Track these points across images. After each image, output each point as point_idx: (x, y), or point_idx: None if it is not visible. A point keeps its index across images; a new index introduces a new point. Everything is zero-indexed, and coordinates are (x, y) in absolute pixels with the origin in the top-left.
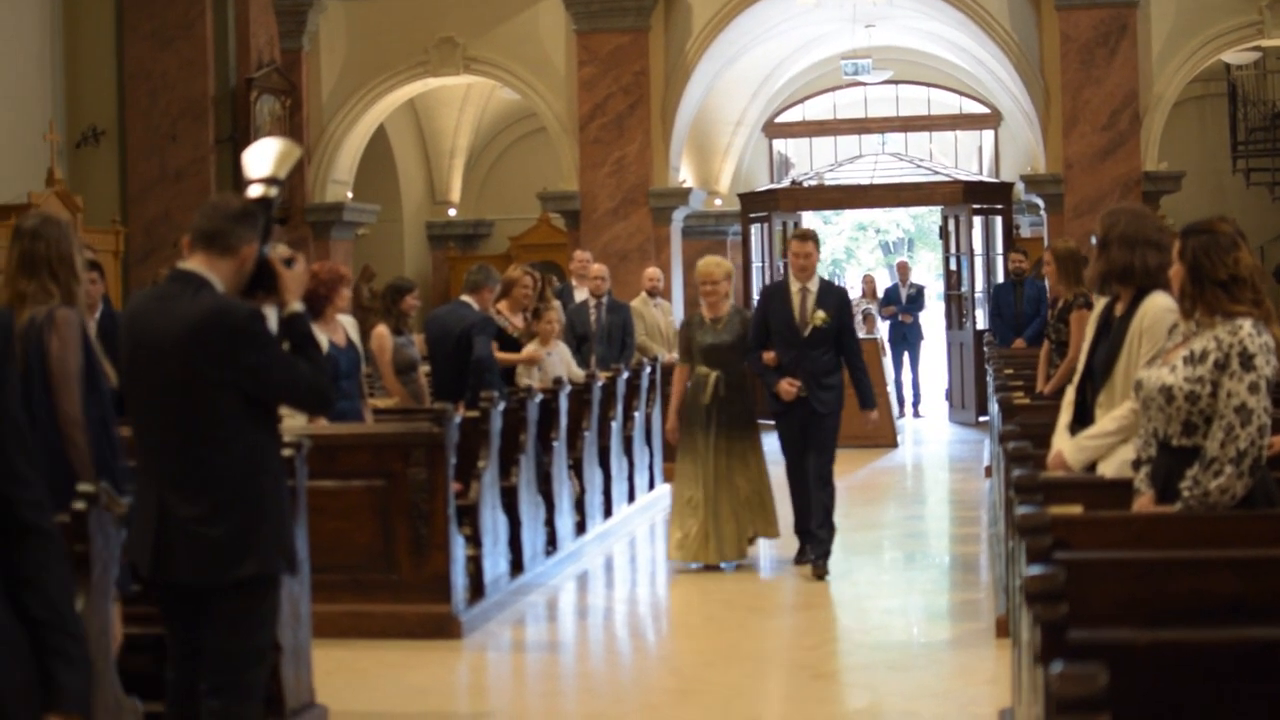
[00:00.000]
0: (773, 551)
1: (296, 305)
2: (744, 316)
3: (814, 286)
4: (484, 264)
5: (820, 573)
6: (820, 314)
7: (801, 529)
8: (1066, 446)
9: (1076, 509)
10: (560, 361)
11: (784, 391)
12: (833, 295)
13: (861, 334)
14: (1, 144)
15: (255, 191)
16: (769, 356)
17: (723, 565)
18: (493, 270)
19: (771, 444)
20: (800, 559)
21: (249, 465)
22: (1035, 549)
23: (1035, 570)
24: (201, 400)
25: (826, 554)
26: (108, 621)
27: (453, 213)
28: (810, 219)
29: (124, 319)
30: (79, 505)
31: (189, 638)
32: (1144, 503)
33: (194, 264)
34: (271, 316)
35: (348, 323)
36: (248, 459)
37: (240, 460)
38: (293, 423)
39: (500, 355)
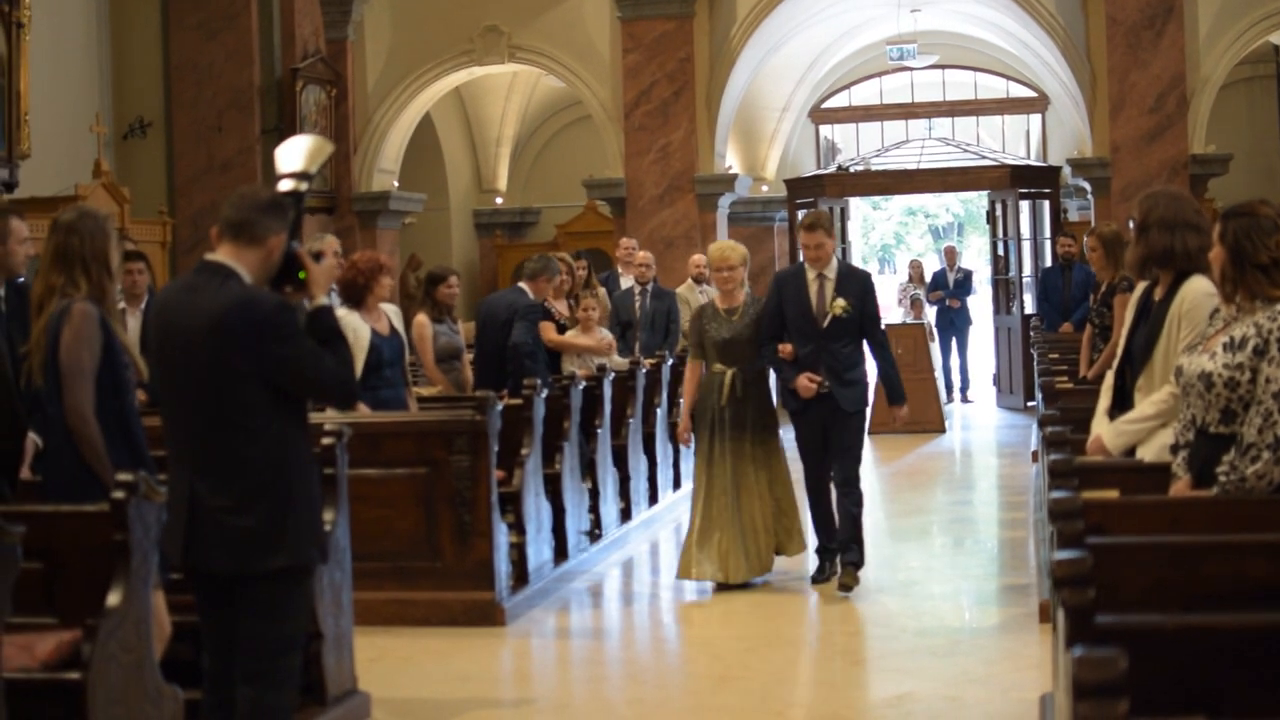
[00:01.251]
0: (797, 565)
1: (323, 299)
2: (759, 304)
3: (832, 273)
4: (545, 254)
5: (848, 583)
6: (840, 302)
7: (822, 546)
8: (1105, 431)
9: (1113, 493)
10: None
11: (803, 388)
12: (854, 281)
13: (909, 319)
14: (49, 136)
15: (285, 186)
16: (785, 349)
17: (743, 584)
18: (553, 261)
19: (792, 447)
20: (819, 577)
21: (278, 456)
22: (1067, 534)
23: (1064, 555)
24: (229, 391)
25: (856, 564)
26: (148, 609)
27: (499, 201)
28: (858, 204)
29: (153, 310)
30: (118, 494)
31: (223, 626)
32: (1181, 487)
33: (221, 255)
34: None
35: (391, 311)
36: (277, 449)
37: (269, 451)
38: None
39: (559, 339)
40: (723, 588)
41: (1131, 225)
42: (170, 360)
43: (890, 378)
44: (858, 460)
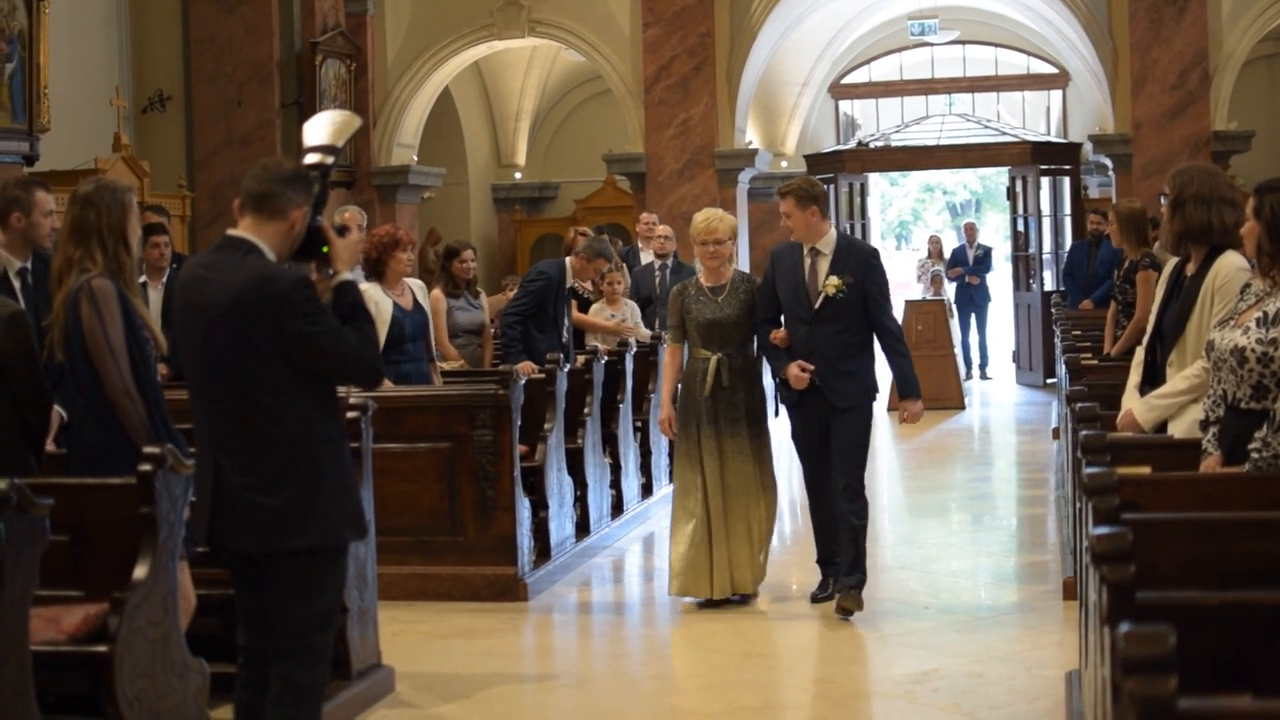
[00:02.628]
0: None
1: (347, 274)
2: (753, 284)
3: (828, 247)
4: (601, 237)
5: (848, 607)
6: (834, 280)
7: (823, 557)
8: (1136, 406)
9: (1145, 469)
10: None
11: (793, 377)
12: (854, 257)
13: (929, 295)
14: (69, 110)
15: (311, 159)
16: (778, 335)
17: (731, 599)
18: (606, 247)
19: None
20: (820, 594)
21: (304, 434)
22: (1103, 510)
23: (1103, 531)
24: (252, 368)
25: (858, 586)
26: (174, 583)
27: (518, 176)
28: (877, 180)
29: (176, 286)
30: (145, 467)
31: (257, 604)
32: (1211, 464)
33: (243, 229)
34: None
35: (415, 286)
36: (302, 428)
37: (295, 429)
38: None
39: (581, 317)
40: (721, 603)
41: (1163, 201)
42: (193, 338)
43: (900, 367)
44: (859, 464)
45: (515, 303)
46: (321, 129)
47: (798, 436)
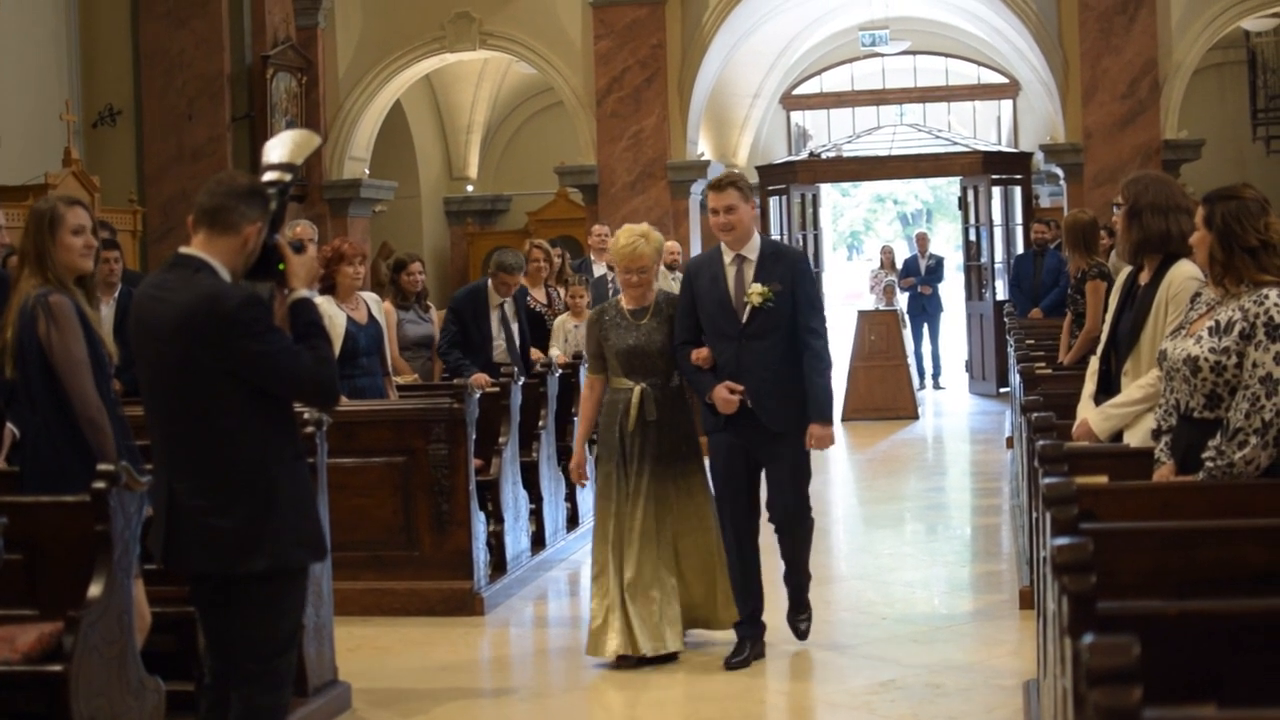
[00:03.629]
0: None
1: (303, 291)
2: (673, 302)
3: (753, 252)
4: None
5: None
6: (758, 288)
7: (747, 615)
8: (1092, 416)
9: (1102, 479)
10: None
11: (720, 400)
12: (782, 263)
13: (882, 306)
14: (19, 124)
15: (270, 176)
16: (700, 354)
17: (656, 654)
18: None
19: None
20: (736, 659)
21: (259, 455)
22: (1061, 520)
23: (1063, 541)
24: (202, 389)
25: (804, 632)
26: (129, 601)
27: (470, 188)
28: (828, 191)
29: (131, 307)
30: (99, 484)
31: (218, 625)
32: (1165, 473)
33: (195, 245)
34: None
35: (370, 299)
36: (257, 449)
37: (249, 450)
38: None
39: None
40: (644, 661)
41: (1117, 210)
42: (146, 359)
43: (815, 386)
44: (802, 497)
45: (442, 335)
46: (281, 147)
47: (720, 468)
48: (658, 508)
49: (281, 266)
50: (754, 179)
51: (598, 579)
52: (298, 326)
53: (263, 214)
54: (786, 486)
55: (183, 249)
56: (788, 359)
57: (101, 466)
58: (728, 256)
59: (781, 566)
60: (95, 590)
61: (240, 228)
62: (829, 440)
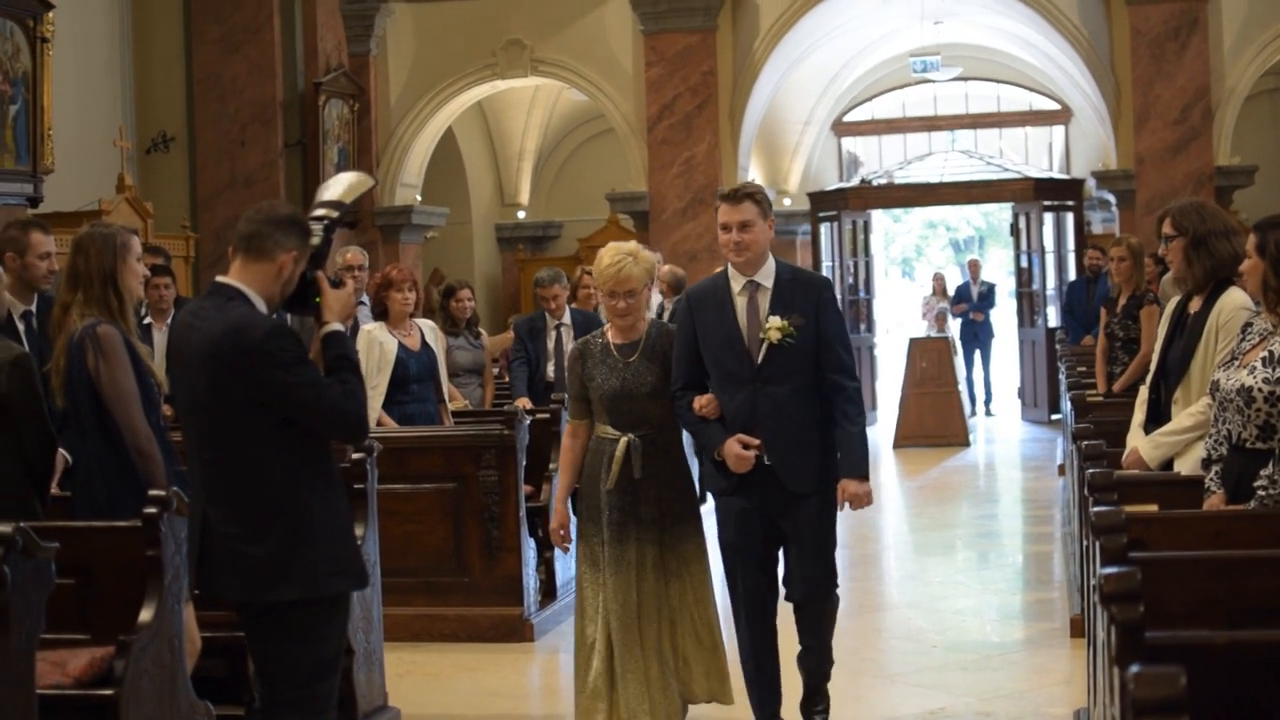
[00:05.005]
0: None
1: (335, 325)
2: (671, 336)
3: (768, 279)
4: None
5: None
6: (777, 322)
7: (768, 714)
8: (1142, 444)
9: (1152, 507)
10: None
11: (733, 458)
12: (804, 291)
13: (933, 333)
14: (73, 151)
15: (317, 212)
16: (703, 402)
17: None
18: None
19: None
20: None
21: (291, 484)
22: (1111, 549)
23: (1111, 570)
24: (233, 417)
25: (825, 712)
26: (180, 625)
27: (522, 215)
28: (880, 216)
29: (169, 334)
30: (150, 510)
31: (256, 649)
32: (1215, 502)
33: (232, 272)
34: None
35: (425, 326)
36: (289, 477)
37: (281, 478)
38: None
39: None
40: None
41: (1166, 239)
42: (182, 386)
43: (849, 438)
44: (829, 569)
45: (512, 354)
46: (335, 187)
47: (732, 539)
48: (652, 579)
49: (317, 300)
50: (805, 205)
51: (580, 662)
52: (329, 360)
53: (300, 244)
54: (810, 558)
55: (219, 277)
56: (811, 406)
57: (153, 492)
58: (737, 283)
59: (797, 646)
60: (146, 615)
61: (275, 255)
62: (866, 499)
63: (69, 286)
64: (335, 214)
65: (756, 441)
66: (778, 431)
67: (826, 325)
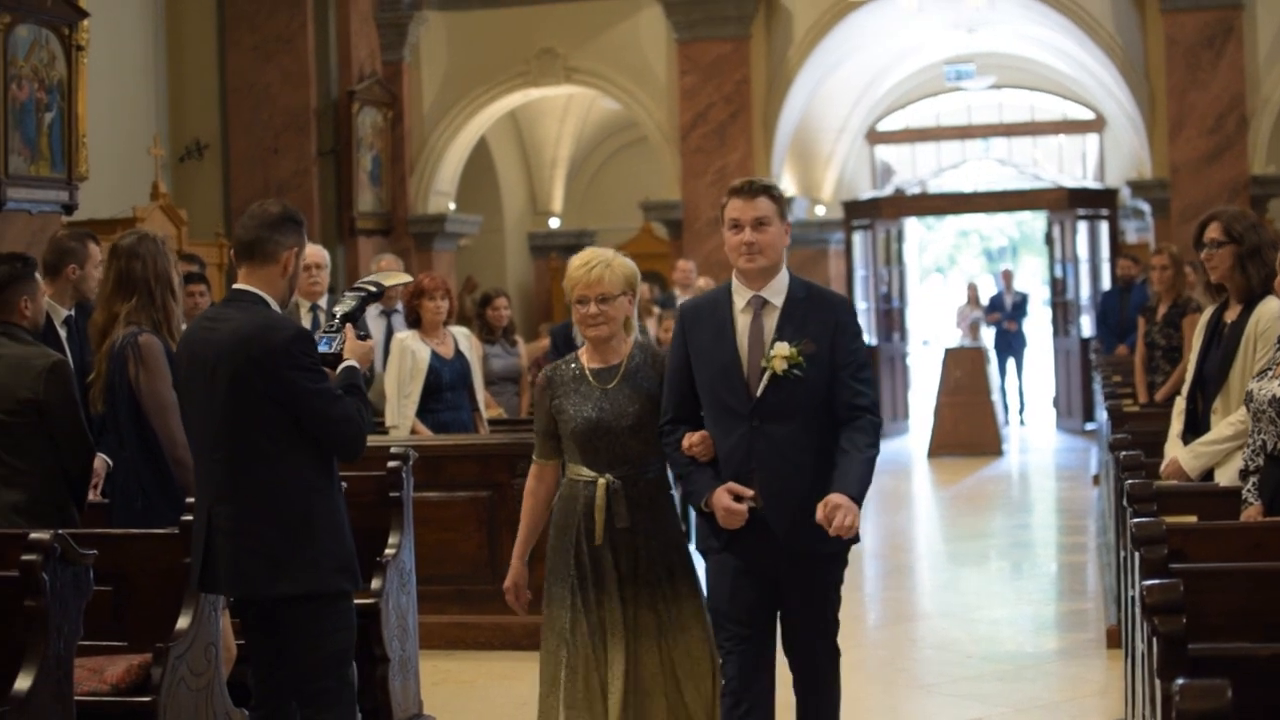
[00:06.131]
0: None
1: (351, 361)
2: (662, 363)
3: (778, 295)
4: None
5: None
6: (784, 349)
7: None
8: (1182, 454)
9: (1191, 518)
10: None
11: (722, 511)
12: (817, 311)
13: (967, 342)
14: (107, 158)
15: (358, 283)
16: (694, 441)
17: None
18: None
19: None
20: None
21: (296, 483)
22: (1151, 560)
23: (1154, 582)
24: (248, 414)
25: None
26: (216, 633)
27: (555, 223)
28: (913, 224)
29: (180, 342)
30: (188, 518)
31: (261, 647)
32: (1253, 513)
33: (242, 280)
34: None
35: (459, 334)
36: (296, 476)
37: (288, 476)
38: (400, 433)
39: None
40: None
41: (1214, 244)
42: (195, 385)
43: (852, 460)
44: (832, 642)
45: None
46: (388, 275)
47: (723, 604)
48: (638, 648)
49: (340, 347)
50: (839, 214)
51: None
52: (341, 386)
53: (297, 239)
54: (814, 627)
55: (236, 285)
56: (820, 450)
57: (189, 500)
58: (740, 298)
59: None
60: (183, 622)
61: (278, 256)
62: (850, 525)
63: (119, 293)
64: (373, 290)
65: (750, 492)
66: (777, 479)
67: (844, 354)
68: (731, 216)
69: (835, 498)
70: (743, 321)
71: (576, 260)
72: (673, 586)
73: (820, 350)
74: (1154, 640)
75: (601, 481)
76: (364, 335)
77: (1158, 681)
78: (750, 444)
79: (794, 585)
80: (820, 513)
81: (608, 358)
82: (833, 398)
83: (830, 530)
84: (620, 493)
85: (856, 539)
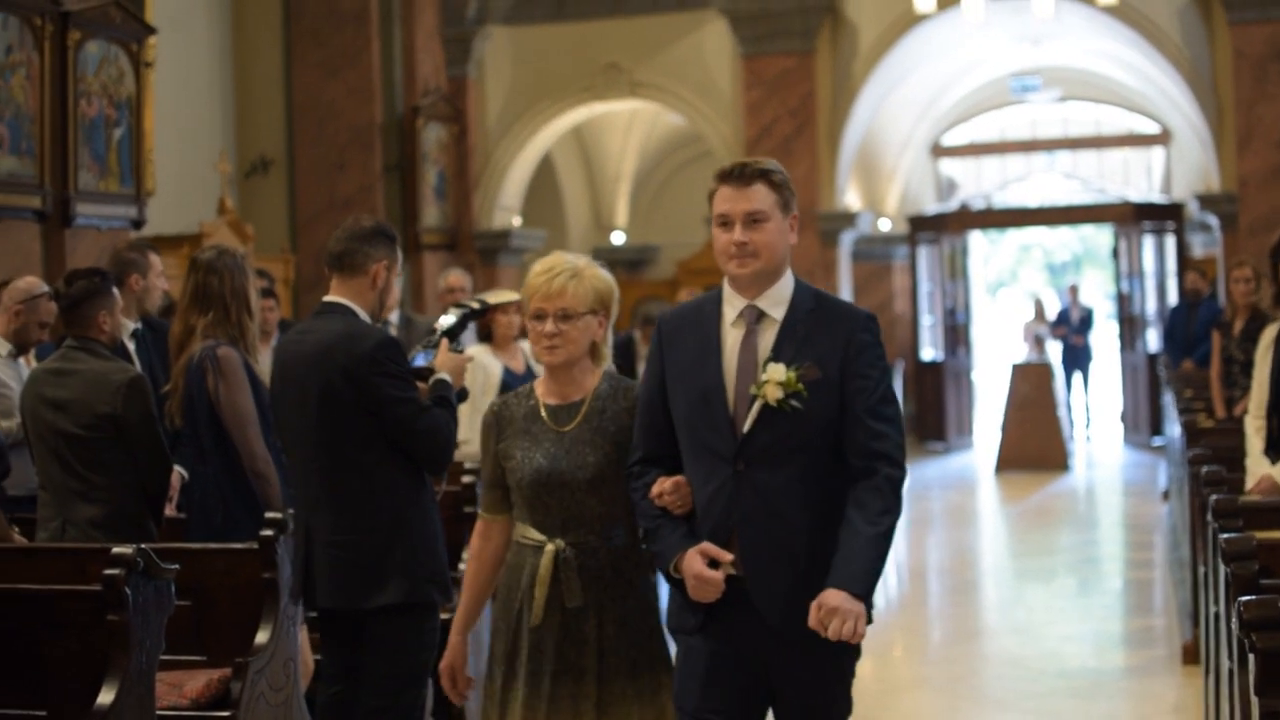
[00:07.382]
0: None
1: (444, 374)
2: (631, 395)
3: (778, 307)
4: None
5: None
6: (780, 373)
7: None
8: (1275, 471)
9: (1276, 534)
10: None
11: (693, 580)
12: (828, 326)
13: (1034, 358)
14: (174, 174)
15: (463, 300)
16: (666, 488)
17: None
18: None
19: None
20: None
21: (393, 494)
22: (1243, 576)
23: (1250, 598)
24: (341, 424)
25: None
26: (295, 648)
27: (619, 238)
28: (978, 240)
29: (274, 350)
30: (267, 533)
31: (343, 659)
32: None
33: (332, 292)
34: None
35: (529, 348)
36: (391, 486)
37: (383, 487)
38: (472, 449)
39: None
40: None
41: None
42: (289, 398)
43: (858, 537)
44: None
45: None
46: (494, 293)
47: (695, 703)
48: None
49: (434, 361)
50: (904, 229)
51: None
52: (431, 397)
53: (389, 252)
54: None
55: (326, 297)
56: (823, 504)
57: (269, 514)
58: (731, 309)
59: None
60: (262, 637)
61: (367, 268)
62: (855, 628)
63: (196, 308)
64: (476, 307)
65: (728, 556)
66: (763, 540)
67: (859, 383)
68: (719, 210)
69: (832, 597)
70: (732, 338)
71: (538, 266)
72: (634, 686)
73: (827, 376)
74: (1251, 657)
75: (550, 548)
76: (459, 350)
77: (1255, 699)
78: (733, 494)
79: (787, 679)
80: (813, 616)
81: (567, 393)
82: (843, 438)
83: (828, 635)
84: (572, 563)
85: (867, 620)
